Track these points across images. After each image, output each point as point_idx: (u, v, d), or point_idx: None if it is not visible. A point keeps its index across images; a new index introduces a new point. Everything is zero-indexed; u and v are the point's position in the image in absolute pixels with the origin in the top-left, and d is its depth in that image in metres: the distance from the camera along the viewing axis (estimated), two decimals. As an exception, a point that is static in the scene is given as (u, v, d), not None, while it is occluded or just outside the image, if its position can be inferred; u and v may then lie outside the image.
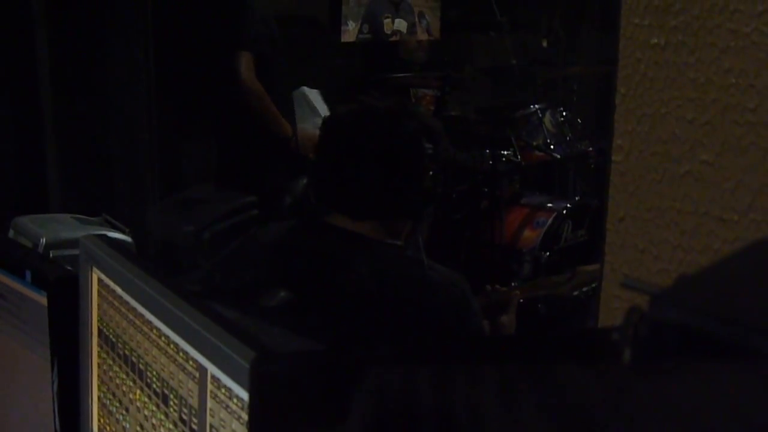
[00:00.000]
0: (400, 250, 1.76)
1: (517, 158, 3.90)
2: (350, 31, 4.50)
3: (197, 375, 0.78)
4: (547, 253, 3.69)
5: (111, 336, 0.96)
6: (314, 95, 3.83)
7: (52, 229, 1.70)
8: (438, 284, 1.72)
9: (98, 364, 1.00)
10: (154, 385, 0.87)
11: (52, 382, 1.06)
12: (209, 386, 0.76)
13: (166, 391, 0.85)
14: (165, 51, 3.33)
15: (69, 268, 1.12)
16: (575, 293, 2.34)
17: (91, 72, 3.25)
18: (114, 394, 0.97)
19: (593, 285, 2.26)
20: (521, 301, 2.15)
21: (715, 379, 0.48)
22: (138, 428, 0.91)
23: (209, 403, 0.77)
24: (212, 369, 0.75)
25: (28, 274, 1.08)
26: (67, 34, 3.18)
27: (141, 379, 0.90)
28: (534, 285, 2.81)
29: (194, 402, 0.79)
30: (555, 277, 2.52)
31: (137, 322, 0.89)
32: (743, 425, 0.45)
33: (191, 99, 3.67)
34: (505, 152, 3.89)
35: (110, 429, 0.98)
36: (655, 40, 0.65)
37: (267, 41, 3.59)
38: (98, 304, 0.99)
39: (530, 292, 2.51)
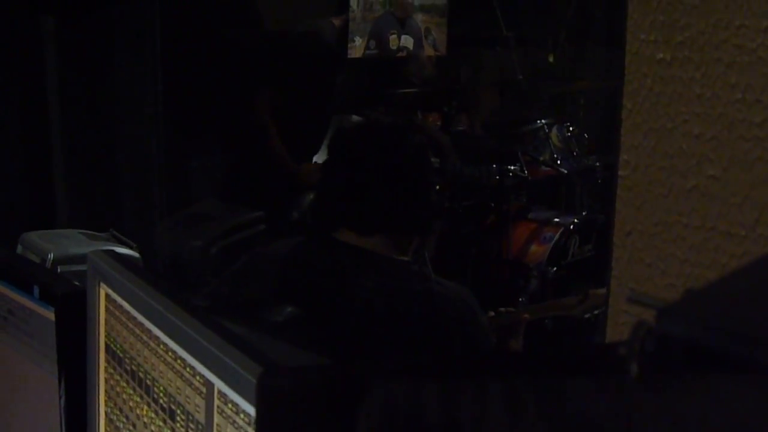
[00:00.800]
0: (406, 265, 1.76)
1: (524, 173, 3.90)
2: (357, 48, 4.51)
3: (204, 390, 0.78)
4: (555, 269, 3.68)
5: (118, 351, 0.96)
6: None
7: (60, 244, 1.70)
8: (445, 299, 1.72)
9: (105, 379, 1.01)
10: (161, 401, 0.87)
11: (60, 398, 1.06)
12: (216, 401, 0.76)
13: (173, 407, 0.85)
14: (173, 67, 3.34)
15: (77, 283, 1.12)
16: (587, 316, 2.33)
17: (98, 88, 3.26)
18: (121, 410, 0.97)
19: (604, 308, 2.24)
20: (530, 318, 2.15)
21: (722, 393, 0.48)
22: (145, 444, 0.91)
23: (216, 419, 0.76)
24: (219, 384, 0.75)
25: (36, 290, 1.09)
26: (76, 50, 3.20)
27: (148, 394, 0.90)
28: (545, 307, 2.80)
29: (201, 417, 0.79)
30: (566, 299, 2.51)
31: (144, 337, 0.89)
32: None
33: (198, 115, 3.68)
34: (512, 167, 3.89)
35: (117, 444, 0.98)
36: (661, 56, 0.65)
37: (289, 78, 3.62)
38: (106, 320, 0.99)
39: (541, 314, 2.50)
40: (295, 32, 3.94)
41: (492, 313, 2.09)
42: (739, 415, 0.46)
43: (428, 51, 4.73)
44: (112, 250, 1.26)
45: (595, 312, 2.31)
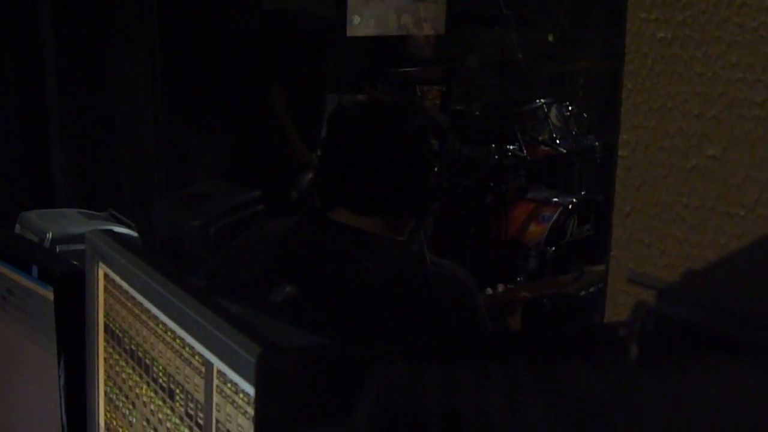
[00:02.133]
0: (402, 245, 1.75)
1: (523, 153, 3.89)
2: (355, 27, 4.49)
3: (203, 370, 0.78)
4: (553, 248, 3.69)
5: (117, 331, 0.96)
6: None
7: (59, 224, 1.70)
8: (441, 278, 1.71)
9: (105, 358, 1.01)
10: (161, 380, 0.87)
11: (59, 377, 1.06)
12: (215, 381, 0.76)
13: (172, 386, 0.85)
14: (171, 46, 3.33)
15: (75, 263, 1.12)
16: (582, 293, 2.34)
17: (97, 67, 3.25)
18: (120, 389, 0.97)
19: (600, 285, 2.26)
20: (528, 297, 2.16)
21: (722, 374, 0.48)
22: (144, 423, 0.91)
23: (215, 398, 0.77)
24: (218, 364, 0.76)
25: (35, 269, 1.08)
26: (74, 29, 3.18)
27: (147, 374, 0.90)
28: (541, 284, 2.81)
29: (200, 397, 0.79)
30: (562, 276, 2.52)
31: (143, 317, 0.89)
32: (750, 420, 0.44)
33: (197, 94, 3.67)
34: (511, 147, 3.89)
35: (117, 423, 0.99)
36: (662, 35, 0.64)
37: (303, 76, 3.60)
38: (104, 299, 0.99)
39: (537, 292, 2.51)
40: (287, 13, 3.91)
41: (490, 291, 2.09)
42: (739, 396, 0.46)
43: (427, 30, 4.71)
44: (111, 230, 1.26)
45: (591, 289, 2.32)
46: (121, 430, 0.97)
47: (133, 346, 0.93)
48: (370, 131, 1.72)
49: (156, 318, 0.87)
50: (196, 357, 0.79)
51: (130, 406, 0.95)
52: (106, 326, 1.00)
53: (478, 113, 4.10)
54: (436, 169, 1.72)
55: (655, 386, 0.46)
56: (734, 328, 0.54)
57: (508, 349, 0.52)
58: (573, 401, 0.44)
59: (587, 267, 2.32)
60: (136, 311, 0.91)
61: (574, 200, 3.83)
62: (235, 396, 0.73)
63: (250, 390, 0.71)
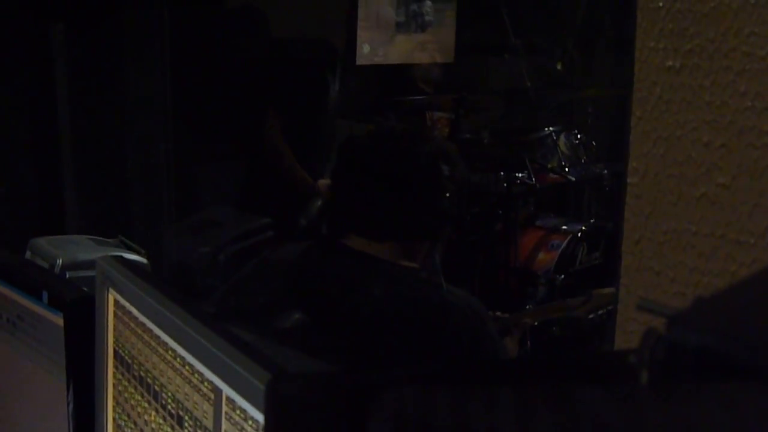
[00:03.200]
0: (415, 272, 1.76)
1: (532, 180, 3.89)
2: (366, 54, 4.51)
3: (212, 396, 0.78)
4: (562, 276, 3.68)
5: (126, 357, 0.96)
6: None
7: (69, 250, 1.70)
8: (454, 307, 1.71)
9: (114, 385, 1.01)
10: (169, 407, 0.87)
11: (68, 403, 1.06)
12: (224, 408, 0.76)
13: (181, 413, 0.85)
14: (182, 74, 3.35)
15: (85, 289, 1.12)
16: (591, 316, 2.33)
17: (108, 94, 3.27)
18: (129, 416, 0.97)
19: (609, 308, 2.26)
20: (535, 324, 2.15)
21: (732, 401, 0.48)
22: (153, 450, 0.91)
23: (224, 425, 0.76)
24: (227, 390, 0.76)
25: (45, 295, 1.09)
26: (86, 57, 3.21)
27: (156, 400, 0.90)
28: (549, 308, 2.81)
29: (209, 423, 0.79)
30: (570, 300, 2.51)
31: (153, 343, 0.90)
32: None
33: (207, 121, 3.69)
34: (520, 175, 3.89)
35: (125, 450, 0.98)
36: (671, 63, 0.65)
37: (293, 91, 3.60)
38: (114, 325, 0.99)
39: (545, 315, 2.50)
40: (292, 40, 3.93)
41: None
42: (750, 423, 0.46)
43: (436, 58, 4.73)
44: (121, 256, 1.27)
45: (599, 312, 2.31)
46: (129, 456, 0.97)
47: (142, 373, 0.93)
48: (385, 158, 1.75)
49: (165, 344, 0.87)
50: (205, 383, 0.79)
51: (139, 433, 0.94)
52: (115, 352, 1.00)
53: (486, 141, 4.11)
54: (448, 194, 1.74)
55: (666, 413, 0.46)
56: (745, 355, 0.54)
57: (519, 375, 0.52)
58: (584, 427, 0.43)
59: (595, 290, 2.32)
60: (146, 337, 0.91)
61: (584, 228, 3.82)
62: (244, 423, 0.73)
63: (260, 417, 0.71)
